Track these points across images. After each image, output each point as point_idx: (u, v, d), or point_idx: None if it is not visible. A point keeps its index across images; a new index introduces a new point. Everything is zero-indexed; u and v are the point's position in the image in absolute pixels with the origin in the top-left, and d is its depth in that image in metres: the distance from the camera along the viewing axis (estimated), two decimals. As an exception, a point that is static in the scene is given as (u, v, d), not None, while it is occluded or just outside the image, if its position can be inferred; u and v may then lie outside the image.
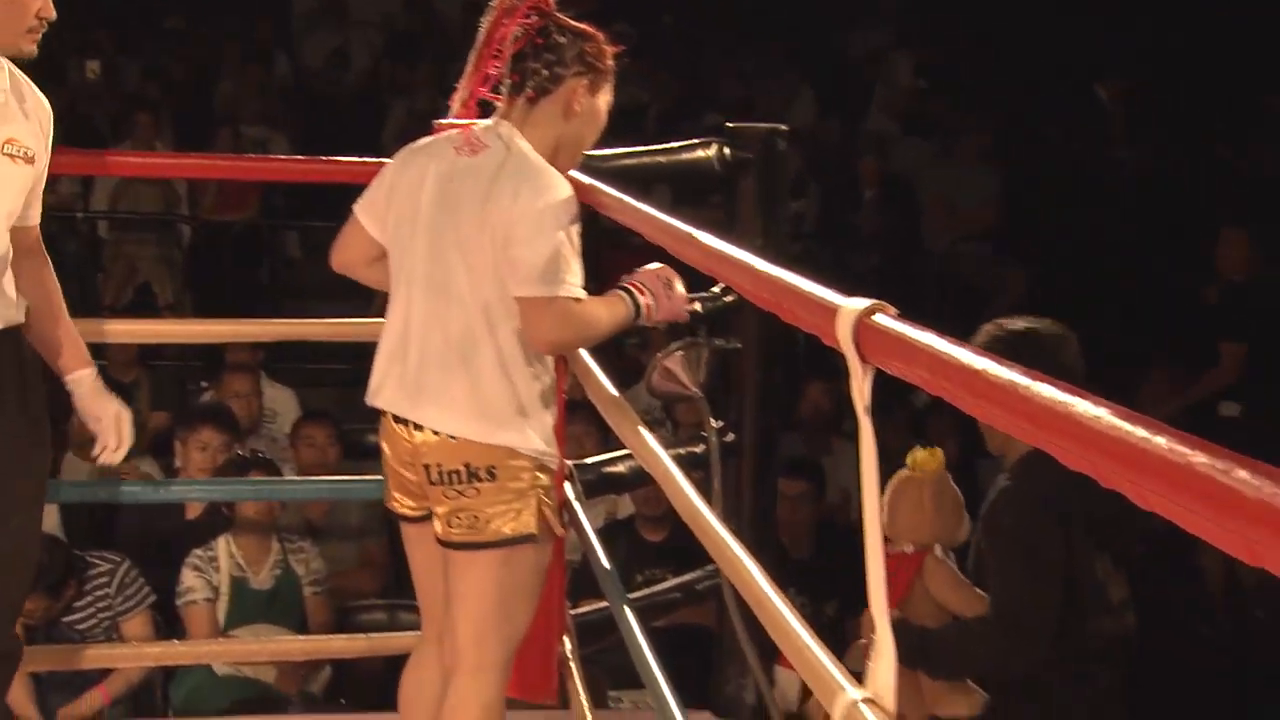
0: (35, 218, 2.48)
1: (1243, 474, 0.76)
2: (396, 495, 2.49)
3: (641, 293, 2.43)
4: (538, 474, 2.36)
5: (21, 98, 2.39)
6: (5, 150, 2.34)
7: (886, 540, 1.37)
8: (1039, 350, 2.63)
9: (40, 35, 2.34)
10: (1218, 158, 7.83)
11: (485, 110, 2.42)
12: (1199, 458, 0.79)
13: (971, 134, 7.97)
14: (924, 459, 2.81)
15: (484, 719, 2.38)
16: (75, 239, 7.42)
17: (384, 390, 2.41)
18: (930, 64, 8.94)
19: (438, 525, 2.38)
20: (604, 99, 2.45)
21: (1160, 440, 0.83)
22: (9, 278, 2.41)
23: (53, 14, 2.33)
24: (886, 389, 1.27)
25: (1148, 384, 5.92)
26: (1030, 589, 2.59)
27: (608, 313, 2.39)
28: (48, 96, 2.48)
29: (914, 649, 2.64)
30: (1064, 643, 2.65)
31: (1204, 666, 5.01)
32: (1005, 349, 2.61)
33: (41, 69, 2.44)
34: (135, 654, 3.47)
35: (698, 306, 2.59)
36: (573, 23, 2.42)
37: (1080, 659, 2.73)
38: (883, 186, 8.03)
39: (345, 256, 2.52)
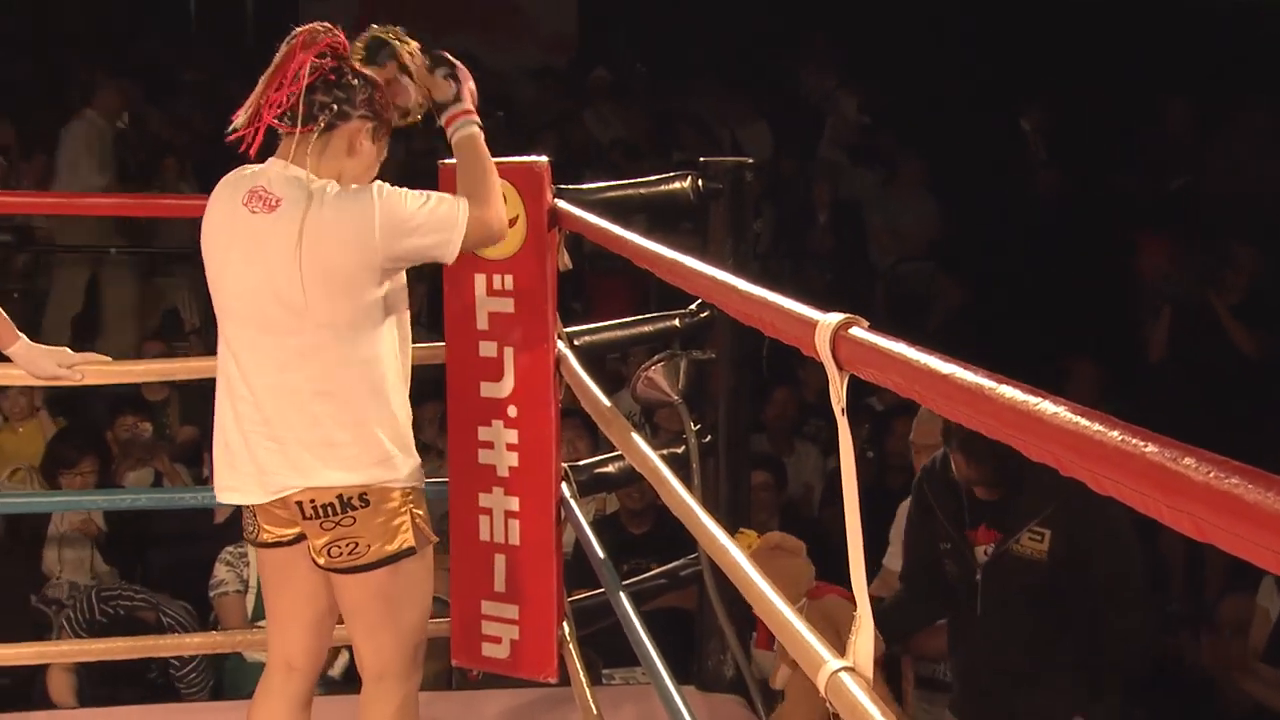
0: None
1: (1189, 461, 0.77)
2: (266, 527, 2.29)
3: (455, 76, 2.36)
4: (408, 489, 2.23)
5: None
6: None
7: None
8: None
9: None
10: (1120, 180, 7.87)
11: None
12: (1150, 448, 0.80)
13: (911, 163, 8.03)
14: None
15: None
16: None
17: (239, 487, 2.24)
18: (872, 102, 8.99)
19: (316, 555, 2.23)
20: (382, 147, 2.31)
21: (1114, 434, 0.84)
22: None
23: None
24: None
25: (1069, 381, 5.93)
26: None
27: (471, 154, 2.32)
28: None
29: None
30: None
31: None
32: None
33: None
34: (176, 644, 3.44)
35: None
36: (364, 70, 2.28)
37: None
38: (833, 211, 8.08)
39: None
